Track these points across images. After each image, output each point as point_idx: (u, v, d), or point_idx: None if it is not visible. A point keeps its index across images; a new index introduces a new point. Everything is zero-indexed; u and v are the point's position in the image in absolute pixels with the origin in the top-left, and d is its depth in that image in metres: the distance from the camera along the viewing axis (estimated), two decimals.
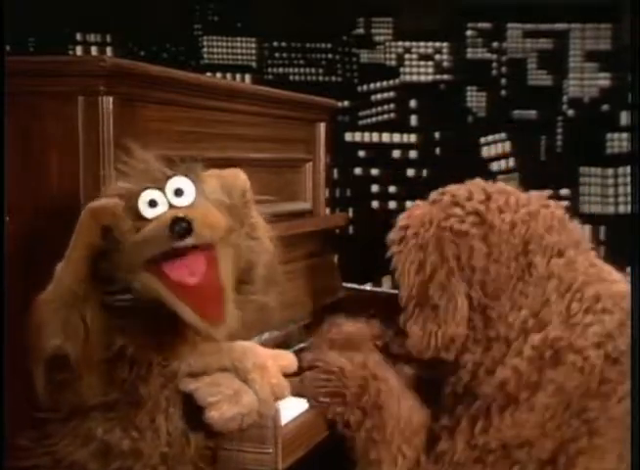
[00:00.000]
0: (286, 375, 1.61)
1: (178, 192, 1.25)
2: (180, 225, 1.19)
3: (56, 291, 1.25)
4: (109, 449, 1.30)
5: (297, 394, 1.62)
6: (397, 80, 3.01)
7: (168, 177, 1.26)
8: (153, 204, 1.24)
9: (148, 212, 1.24)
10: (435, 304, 1.63)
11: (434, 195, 1.74)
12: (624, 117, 2.86)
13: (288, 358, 1.67)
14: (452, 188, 1.73)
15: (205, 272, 1.22)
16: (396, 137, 3.01)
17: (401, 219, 1.71)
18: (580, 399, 1.53)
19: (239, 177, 1.38)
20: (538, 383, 1.55)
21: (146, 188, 1.25)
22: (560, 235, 1.66)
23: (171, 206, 1.24)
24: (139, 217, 1.24)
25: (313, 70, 3.04)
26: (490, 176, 2.89)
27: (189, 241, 1.19)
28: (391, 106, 3.01)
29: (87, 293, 1.25)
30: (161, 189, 1.25)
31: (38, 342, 1.25)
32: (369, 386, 1.61)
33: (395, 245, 1.69)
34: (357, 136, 3.03)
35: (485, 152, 2.96)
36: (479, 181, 1.75)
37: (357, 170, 3.04)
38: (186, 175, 1.27)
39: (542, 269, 1.61)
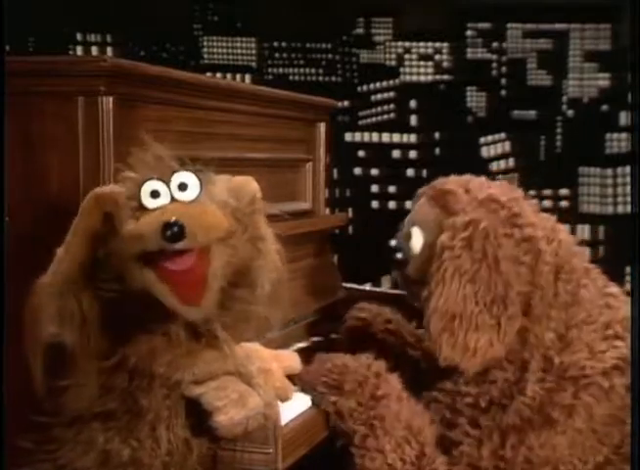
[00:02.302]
0: (290, 376, 1.63)
1: (182, 186, 1.23)
2: (172, 230, 1.16)
3: (54, 275, 1.25)
4: (109, 458, 1.30)
5: (298, 382, 1.64)
6: (397, 80, 3.01)
7: (174, 171, 1.25)
8: (155, 194, 1.22)
9: (149, 203, 1.22)
10: (492, 323, 1.58)
11: (478, 193, 1.68)
12: (624, 118, 2.87)
13: (291, 359, 1.67)
14: (497, 194, 1.68)
15: (195, 262, 1.20)
16: (396, 137, 3.01)
17: (462, 226, 1.61)
18: (604, 425, 1.57)
19: (249, 184, 1.36)
20: (573, 406, 1.57)
21: (150, 178, 1.24)
22: (578, 261, 1.69)
23: (173, 199, 1.23)
24: (140, 207, 1.23)
25: (313, 70, 3.04)
26: (490, 176, 2.90)
27: (180, 245, 1.18)
28: (391, 106, 3.01)
29: (84, 279, 1.24)
30: (166, 181, 1.24)
31: (35, 328, 1.24)
32: (368, 383, 1.62)
33: (451, 251, 1.59)
34: (357, 136, 3.03)
35: (485, 152, 2.96)
36: (511, 188, 1.75)
37: (357, 170, 3.04)
38: (194, 172, 1.26)
39: (567, 297, 1.64)
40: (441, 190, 1.71)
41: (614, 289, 1.73)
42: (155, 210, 1.22)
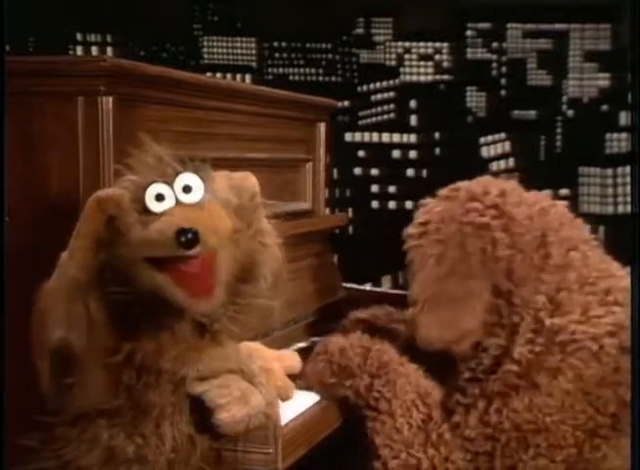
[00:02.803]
0: (290, 376, 1.63)
1: (186, 188, 1.24)
2: (187, 237, 1.17)
3: (59, 280, 1.24)
4: (114, 455, 1.30)
5: (305, 387, 1.66)
6: (397, 80, 3.01)
7: (178, 173, 1.25)
8: (160, 198, 1.23)
9: (154, 206, 1.22)
10: (453, 297, 1.65)
11: (444, 192, 1.77)
12: (624, 118, 2.87)
13: (292, 359, 1.67)
14: (464, 184, 1.76)
15: (203, 263, 1.21)
16: (396, 137, 3.01)
17: (421, 215, 1.74)
18: (595, 386, 1.57)
19: (249, 180, 1.37)
20: (559, 369, 1.58)
21: (154, 182, 1.24)
22: (571, 230, 1.72)
23: (178, 201, 1.23)
24: (145, 211, 1.23)
25: (313, 70, 3.04)
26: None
27: (195, 251, 1.18)
28: (391, 106, 3.01)
29: (90, 283, 1.24)
30: (170, 184, 1.24)
31: (42, 333, 1.24)
32: (370, 354, 1.68)
33: (414, 239, 1.72)
34: (357, 136, 3.03)
35: (485, 152, 2.96)
36: (489, 178, 1.80)
37: (357, 170, 3.04)
38: (196, 173, 1.26)
39: (559, 259, 1.66)
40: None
41: (614, 263, 1.76)
42: (161, 214, 1.22)
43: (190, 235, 1.17)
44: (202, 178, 1.25)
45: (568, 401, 1.57)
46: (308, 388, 1.68)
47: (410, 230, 1.73)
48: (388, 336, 1.86)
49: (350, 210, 3.01)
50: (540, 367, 1.59)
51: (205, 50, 3.05)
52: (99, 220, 1.24)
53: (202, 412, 1.31)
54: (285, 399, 1.55)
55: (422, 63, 2.99)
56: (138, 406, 1.29)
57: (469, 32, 2.96)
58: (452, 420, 1.65)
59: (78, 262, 1.24)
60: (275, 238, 1.38)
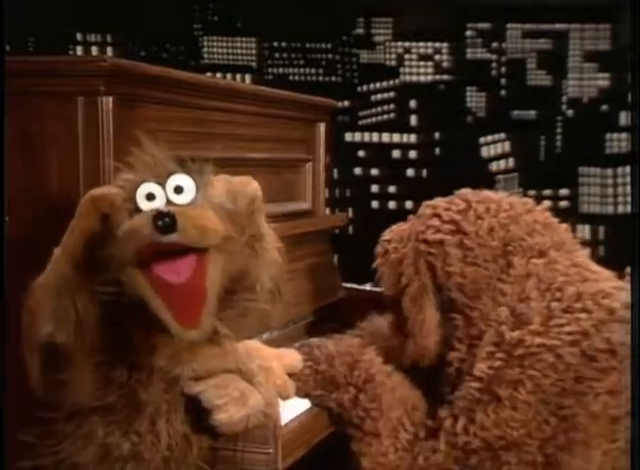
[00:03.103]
0: (290, 374, 1.62)
1: (178, 189, 1.23)
2: (163, 220, 1.16)
3: (50, 275, 1.25)
4: (109, 452, 1.30)
5: (298, 395, 1.63)
6: (397, 80, 3.01)
7: (170, 173, 1.25)
8: (150, 197, 1.22)
9: (144, 205, 1.22)
10: (406, 316, 1.70)
11: (421, 209, 1.79)
12: (624, 118, 2.87)
13: (292, 357, 1.67)
14: (438, 200, 1.78)
15: (191, 275, 1.20)
16: (396, 137, 3.01)
17: (385, 234, 1.78)
18: (556, 396, 1.55)
19: (249, 185, 1.36)
20: (519, 380, 1.57)
21: (145, 181, 1.24)
22: (542, 237, 1.70)
23: (169, 202, 1.23)
24: (137, 210, 1.23)
25: (313, 70, 3.04)
26: (490, 176, 2.91)
27: (173, 237, 1.17)
28: (391, 106, 3.01)
29: (80, 280, 1.24)
30: (162, 184, 1.24)
31: (32, 328, 1.24)
32: (357, 364, 1.65)
33: (379, 258, 1.77)
34: (357, 136, 3.03)
35: (485, 152, 2.96)
36: (466, 191, 1.79)
37: (357, 170, 3.04)
38: (190, 174, 1.26)
39: (521, 269, 1.66)
40: None
41: (594, 266, 1.73)
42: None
43: (167, 219, 1.16)
44: (195, 180, 1.25)
45: (530, 413, 1.55)
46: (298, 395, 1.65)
47: (377, 249, 1.78)
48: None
49: (350, 210, 3.01)
50: (501, 380, 1.58)
51: (205, 50, 3.05)
52: (93, 218, 1.24)
53: (199, 412, 1.31)
54: (285, 397, 1.55)
55: (422, 63, 3.00)
56: (131, 404, 1.29)
57: (469, 32, 2.96)
58: (423, 445, 1.62)
59: (69, 259, 1.24)
60: (275, 242, 1.38)
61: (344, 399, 1.63)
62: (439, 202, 1.76)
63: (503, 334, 1.61)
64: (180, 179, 1.24)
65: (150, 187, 1.23)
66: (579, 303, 1.61)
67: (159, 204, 1.22)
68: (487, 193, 1.79)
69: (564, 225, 1.77)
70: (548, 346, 1.57)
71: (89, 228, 1.24)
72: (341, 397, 1.63)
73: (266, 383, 1.38)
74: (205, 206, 1.25)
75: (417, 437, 1.62)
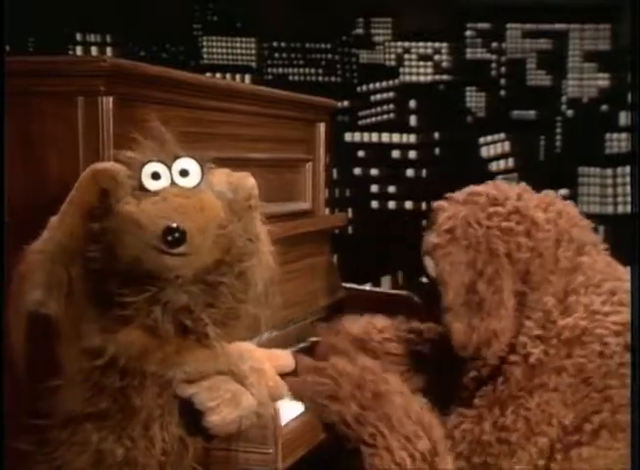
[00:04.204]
0: (283, 375, 1.62)
1: (184, 172, 1.25)
2: (173, 236, 1.19)
3: (46, 243, 1.25)
4: (103, 458, 1.29)
5: (295, 398, 1.62)
6: (397, 80, 3.01)
7: (177, 156, 1.26)
8: (156, 176, 1.24)
9: (149, 184, 1.24)
10: (482, 298, 1.65)
11: (461, 196, 1.76)
12: (623, 118, 2.87)
13: (284, 358, 1.67)
14: (480, 189, 1.77)
15: None
16: (396, 137, 3.01)
17: (443, 222, 1.71)
18: (602, 378, 1.59)
19: (247, 180, 1.37)
20: (562, 366, 1.60)
21: (152, 160, 1.25)
22: (582, 232, 1.75)
23: (173, 183, 1.24)
24: (141, 188, 1.24)
25: (313, 71, 3.05)
26: (490, 176, 2.91)
27: (180, 249, 1.20)
28: (391, 106, 3.01)
29: (76, 250, 1.25)
30: (168, 165, 1.25)
31: (20, 294, 1.24)
32: (366, 383, 1.62)
33: (441, 248, 1.70)
34: (357, 136, 3.03)
35: (485, 152, 2.96)
36: (501, 182, 1.82)
37: (357, 170, 3.04)
38: (195, 159, 1.27)
39: (567, 263, 1.68)
40: (432, 212, 1.78)
41: (619, 266, 1.78)
42: (154, 193, 1.23)
43: (177, 234, 1.19)
44: (200, 165, 1.26)
45: (569, 393, 1.59)
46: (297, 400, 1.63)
47: (436, 240, 1.71)
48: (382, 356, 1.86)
49: (350, 210, 3.01)
50: (548, 368, 1.61)
51: (205, 50, 3.05)
52: (92, 191, 1.25)
53: (192, 414, 1.30)
54: (276, 398, 1.54)
55: (421, 63, 3.00)
56: (124, 409, 1.28)
57: (468, 32, 2.96)
58: (461, 428, 1.65)
59: (67, 228, 1.25)
60: (268, 245, 1.37)
61: (347, 413, 1.59)
62: (487, 190, 1.75)
63: (554, 320, 1.63)
64: (186, 162, 1.26)
65: (156, 166, 1.25)
66: (616, 297, 1.67)
67: (164, 184, 1.24)
68: (523, 185, 1.81)
69: (588, 221, 1.81)
70: (596, 334, 1.61)
71: (88, 201, 1.25)
72: (343, 411, 1.59)
73: (258, 384, 1.37)
74: (208, 192, 1.27)
75: (436, 450, 1.58)
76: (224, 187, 1.32)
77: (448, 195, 1.79)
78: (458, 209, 1.72)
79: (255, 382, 1.37)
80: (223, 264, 1.31)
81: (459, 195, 1.77)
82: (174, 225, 1.19)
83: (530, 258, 1.67)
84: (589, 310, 1.64)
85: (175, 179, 1.25)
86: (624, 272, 1.77)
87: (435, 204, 1.79)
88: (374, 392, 1.61)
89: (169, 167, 1.25)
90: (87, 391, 1.28)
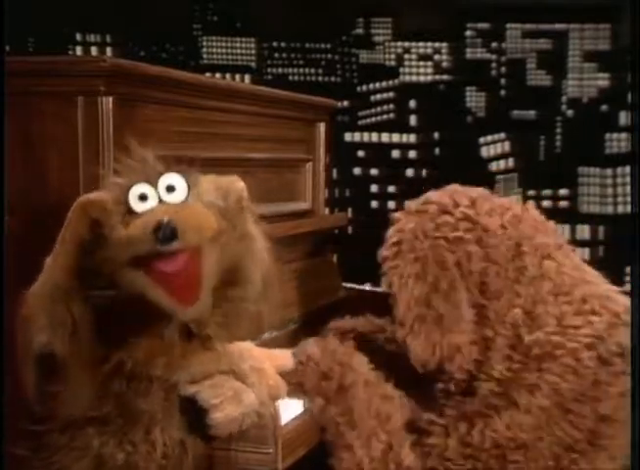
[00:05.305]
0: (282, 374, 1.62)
1: (170, 188, 1.24)
2: (164, 231, 1.17)
3: (44, 285, 1.25)
4: (103, 463, 1.29)
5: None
6: (397, 80, 3.01)
7: (161, 173, 1.25)
8: (143, 198, 1.23)
9: (138, 206, 1.23)
10: (440, 314, 1.62)
11: (413, 206, 1.74)
12: (623, 118, 2.87)
13: (284, 358, 1.67)
14: (432, 196, 1.73)
15: (188, 262, 1.21)
16: (396, 137, 3.01)
17: (392, 235, 1.70)
18: (573, 403, 1.55)
19: (236, 184, 1.36)
20: (536, 385, 1.56)
21: (137, 182, 1.24)
22: (546, 236, 1.69)
23: (161, 201, 1.23)
24: (129, 212, 1.23)
25: (313, 71, 3.04)
26: (490, 176, 2.91)
27: (173, 245, 1.18)
28: (391, 106, 3.01)
29: (74, 287, 1.25)
30: (153, 184, 1.24)
31: (26, 337, 1.24)
32: (333, 373, 1.61)
33: (389, 261, 1.68)
34: (357, 136, 3.03)
35: (485, 152, 2.96)
36: (456, 187, 1.77)
37: (357, 170, 3.04)
38: (180, 173, 1.26)
39: (534, 270, 1.64)
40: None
41: (588, 268, 1.73)
42: (143, 213, 1.22)
43: (167, 231, 1.17)
44: (186, 179, 1.25)
45: (544, 418, 1.55)
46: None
47: (384, 252, 1.70)
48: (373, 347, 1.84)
49: (350, 210, 3.01)
50: (519, 385, 1.57)
51: (205, 50, 3.05)
52: (83, 224, 1.24)
53: (194, 414, 1.30)
54: (276, 398, 1.54)
55: (421, 63, 2.99)
56: (127, 414, 1.29)
57: (468, 32, 2.96)
58: (427, 442, 1.62)
59: (61, 267, 1.24)
60: (263, 242, 1.37)
61: (314, 406, 1.60)
62: (439, 197, 1.71)
63: (521, 336, 1.60)
64: (171, 178, 1.25)
65: (142, 188, 1.24)
66: (587, 305, 1.62)
67: (152, 204, 1.23)
68: (480, 189, 1.76)
69: (552, 223, 1.76)
70: (568, 348, 1.56)
71: (80, 235, 1.24)
72: (309, 403, 1.60)
73: (259, 383, 1.38)
74: (197, 203, 1.26)
75: (390, 445, 1.59)
76: (213, 195, 1.31)
77: (406, 204, 1.77)
78: (409, 220, 1.70)
79: (256, 381, 1.37)
80: (226, 278, 1.31)
81: (413, 204, 1.74)
82: (164, 220, 1.18)
83: (485, 267, 1.63)
84: (561, 325, 1.59)
85: (163, 197, 1.24)
86: (594, 275, 1.72)
87: (393, 215, 1.76)
88: (339, 384, 1.60)
89: (155, 186, 1.24)
90: (92, 395, 1.27)
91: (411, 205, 1.74)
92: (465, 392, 1.64)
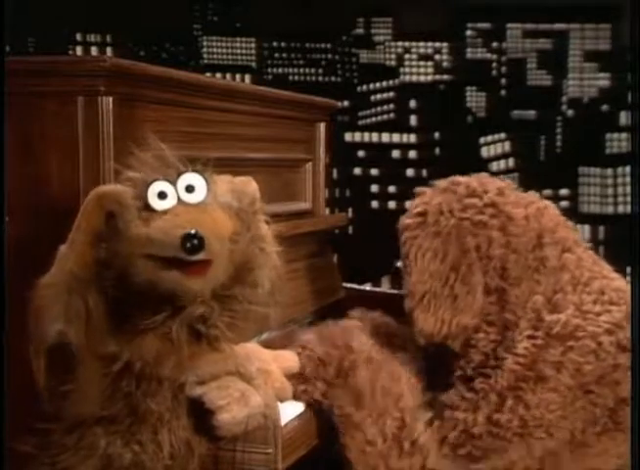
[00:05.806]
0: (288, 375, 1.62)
1: (189, 188, 1.24)
2: (192, 242, 1.17)
3: (58, 274, 1.24)
4: (111, 463, 1.29)
5: None
6: (397, 80, 3.01)
7: (181, 172, 1.25)
8: (162, 196, 1.22)
9: (156, 204, 1.22)
10: (455, 294, 1.64)
11: (443, 184, 1.75)
12: (624, 118, 2.87)
13: (290, 359, 1.67)
14: (462, 179, 1.75)
15: (205, 267, 1.21)
16: (396, 137, 3.01)
17: (418, 205, 1.71)
18: (595, 385, 1.58)
19: (250, 185, 1.36)
20: (560, 362, 1.59)
21: (157, 179, 1.24)
22: (566, 232, 1.72)
23: (180, 200, 1.23)
24: (146, 208, 1.22)
25: (313, 71, 3.05)
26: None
27: (199, 256, 1.19)
28: (391, 106, 3.01)
29: (89, 277, 1.24)
30: (173, 183, 1.24)
31: (40, 327, 1.23)
32: (330, 357, 1.62)
33: (410, 230, 1.68)
34: (357, 136, 3.03)
35: (485, 152, 2.96)
36: (486, 175, 1.79)
37: (357, 170, 3.04)
38: (199, 173, 1.26)
39: (555, 261, 1.66)
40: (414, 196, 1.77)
41: (605, 264, 1.76)
42: (163, 212, 1.22)
43: (196, 241, 1.17)
44: (205, 179, 1.25)
45: (569, 398, 1.57)
46: None
47: (406, 220, 1.70)
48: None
49: (350, 210, 3.01)
50: (545, 361, 1.59)
51: (205, 50, 3.05)
52: (98, 216, 1.24)
53: (200, 415, 1.31)
54: (283, 400, 1.55)
55: (422, 63, 3.00)
56: (136, 414, 1.28)
57: (469, 32, 2.96)
58: (454, 415, 1.62)
59: (77, 257, 1.24)
60: (273, 245, 1.37)
61: (314, 392, 1.60)
62: (469, 181, 1.73)
63: (541, 317, 1.62)
64: (191, 178, 1.24)
65: (162, 185, 1.23)
66: (605, 295, 1.66)
67: (171, 202, 1.22)
68: (509, 181, 1.79)
69: (571, 222, 1.79)
70: (588, 331, 1.60)
71: (95, 226, 1.24)
72: (310, 390, 1.60)
73: (265, 385, 1.38)
74: (215, 205, 1.26)
75: (404, 423, 1.59)
76: (228, 196, 1.31)
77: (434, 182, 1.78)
78: (435, 195, 1.71)
79: (262, 383, 1.37)
80: (236, 276, 1.31)
81: (442, 182, 1.76)
82: (192, 232, 1.18)
83: (505, 253, 1.65)
84: (580, 310, 1.63)
85: (182, 196, 1.23)
86: (610, 270, 1.75)
87: (418, 189, 1.77)
88: (338, 367, 1.61)
89: (174, 185, 1.23)
90: (102, 395, 1.27)
91: (440, 183, 1.76)
92: (482, 373, 1.64)
